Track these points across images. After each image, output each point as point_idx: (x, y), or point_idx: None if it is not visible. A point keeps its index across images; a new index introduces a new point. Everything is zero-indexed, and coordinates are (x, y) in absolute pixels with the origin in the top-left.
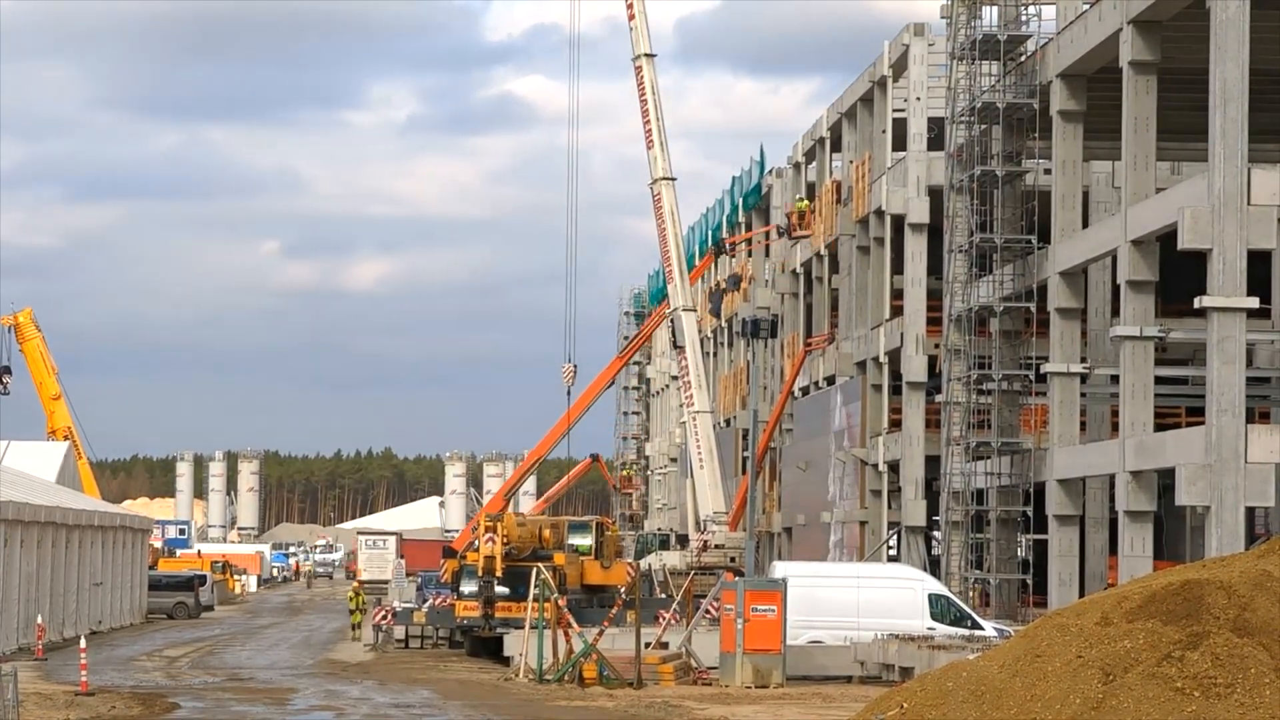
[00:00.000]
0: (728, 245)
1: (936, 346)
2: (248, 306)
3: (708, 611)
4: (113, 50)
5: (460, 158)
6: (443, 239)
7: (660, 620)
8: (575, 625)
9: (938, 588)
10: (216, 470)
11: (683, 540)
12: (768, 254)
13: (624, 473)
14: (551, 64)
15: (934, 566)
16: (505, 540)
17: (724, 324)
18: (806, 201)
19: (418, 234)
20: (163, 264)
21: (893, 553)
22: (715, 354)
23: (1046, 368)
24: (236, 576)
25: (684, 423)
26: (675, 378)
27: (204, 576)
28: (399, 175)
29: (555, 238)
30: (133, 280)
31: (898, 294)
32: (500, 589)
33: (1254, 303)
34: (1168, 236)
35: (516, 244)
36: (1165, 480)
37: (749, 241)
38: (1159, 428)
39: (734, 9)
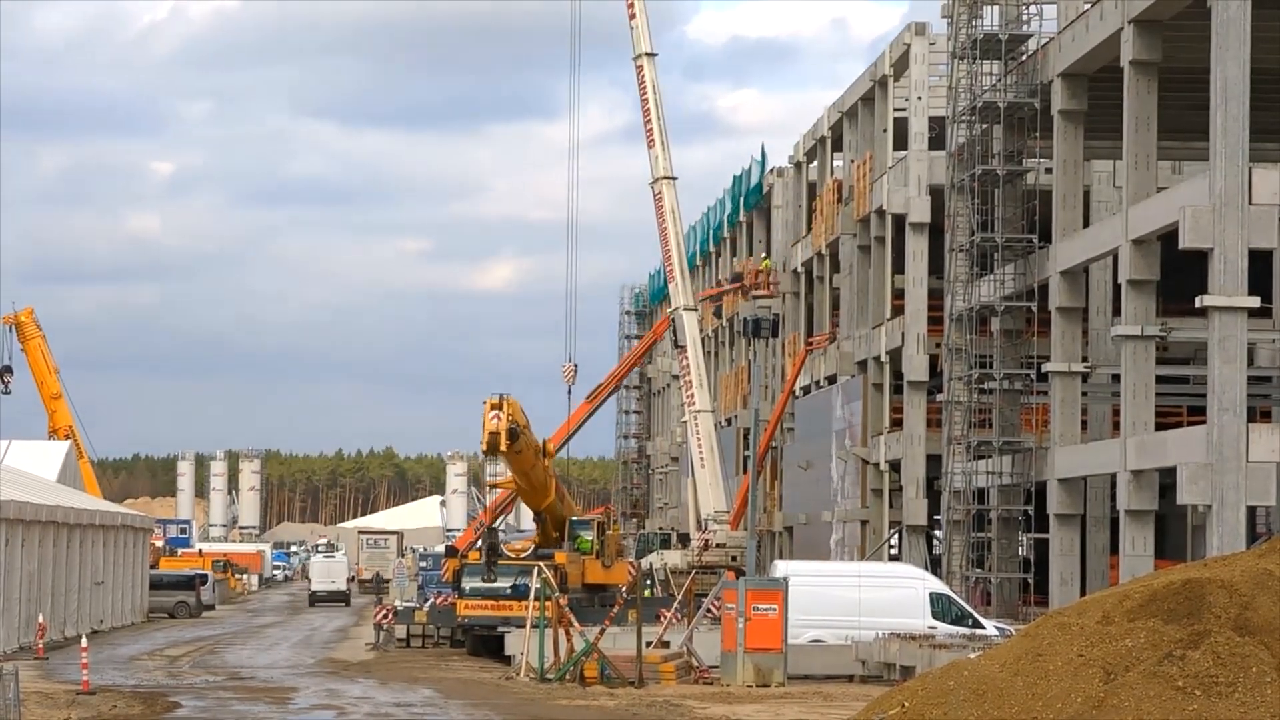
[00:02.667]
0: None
1: (938, 346)
2: (339, 307)
3: (709, 610)
4: (328, 58)
5: (636, 166)
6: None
7: (661, 619)
8: (576, 624)
9: (939, 587)
10: (218, 469)
11: (684, 539)
12: (719, 314)
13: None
14: (767, 78)
15: (935, 565)
16: (510, 420)
17: (725, 323)
18: (768, 260)
19: (557, 240)
20: (293, 269)
21: (894, 552)
22: (716, 353)
23: (1047, 367)
24: (238, 576)
25: (685, 422)
26: (676, 377)
27: (205, 576)
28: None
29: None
30: (254, 285)
31: (899, 293)
32: (502, 585)
33: (1255, 302)
34: (1169, 236)
35: (631, 252)
36: (1166, 479)
37: (718, 298)
38: (1160, 427)
39: None
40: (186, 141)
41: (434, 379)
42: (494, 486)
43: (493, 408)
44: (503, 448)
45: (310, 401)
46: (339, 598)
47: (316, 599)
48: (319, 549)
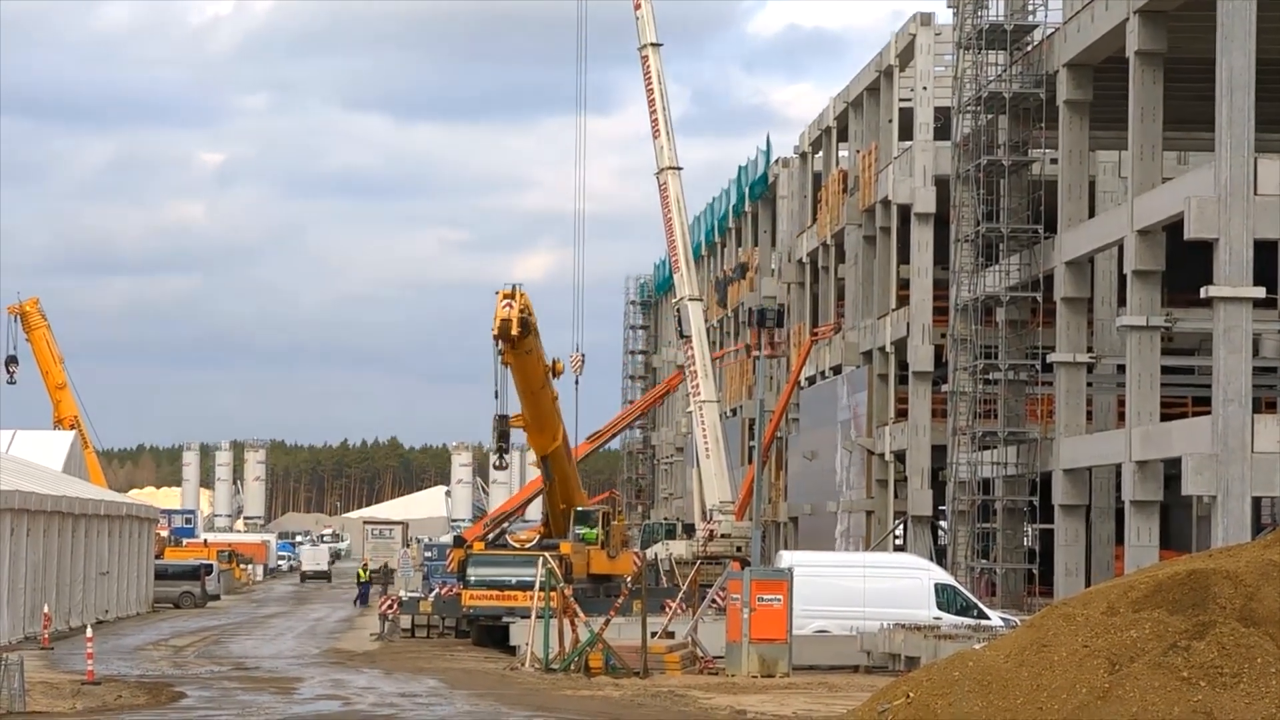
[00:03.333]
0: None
1: (943, 336)
2: (367, 299)
3: (714, 601)
4: (381, 51)
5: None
6: (607, 236)
7: (666, 610)
8: (581, 615)
9: (944, 577)
10: (223, 459)
11: (689, 530)
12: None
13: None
14: (822, 73)
15: (940, 556)
16: (522, 311)
17: (730, 313)
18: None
19: (596, 232)
20: (328, 260)
21: (899, 542)
22: (721, 344)
23: (1053, 357)
24: (243, 566)
25: (690, 412)
26: (681, 367)
27: (210, 566)
28: (612, 175)
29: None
30: (286, 277)
31: (904, 284)
32: (505, 574)
33: (1260, 292)
34: (1174, 226)
35: (647, 241)
36: (1171, 470)
37: (721, 359)
38: (1165, 417)
39: None
40: (238, 134)
41: (442, 370)
42: (503, 420)
43: (505, 297)
44: (514, 331)
45: (317, 392)
46: (323, 575)
47: (305, 577)
48: (324, 539)
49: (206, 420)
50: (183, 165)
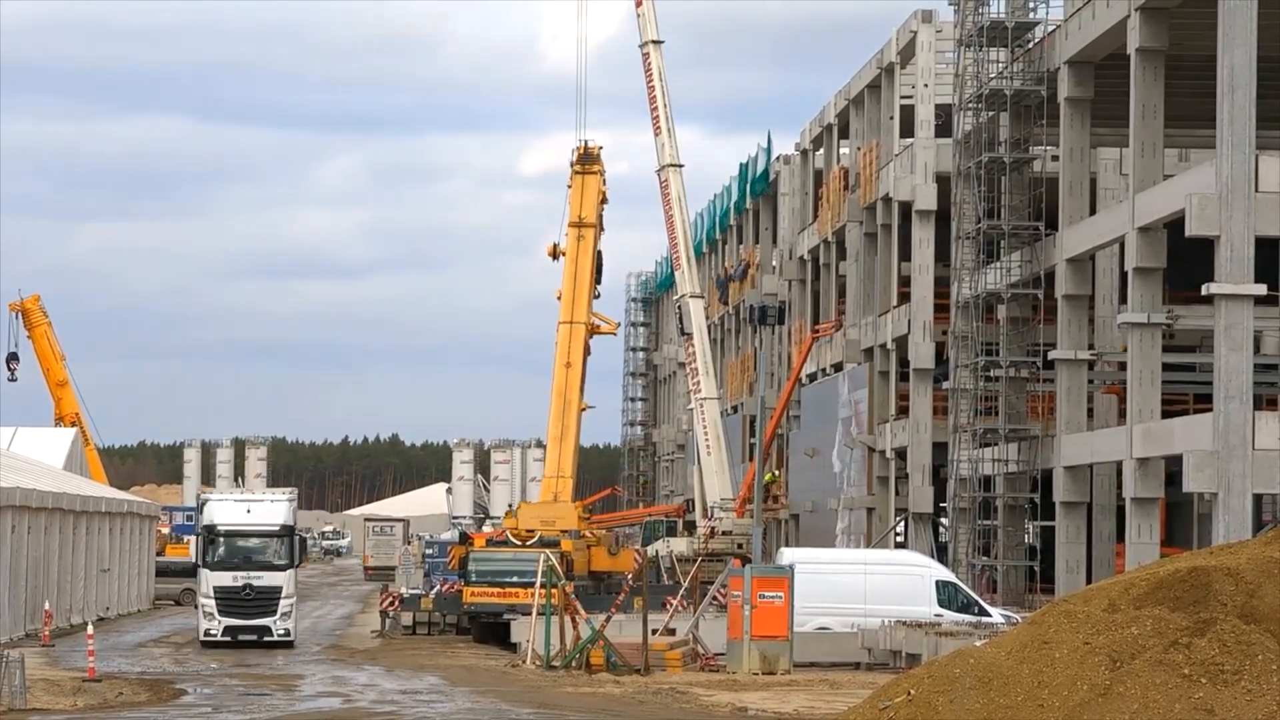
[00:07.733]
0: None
1: (944, 333)
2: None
3: (715, 598)
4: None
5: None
6: None
7: (667, 607)
8: (583, 612)
9: (945, 574)
10: (224, 457)
11: (690, 527)
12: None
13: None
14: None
15: (941, 553)
16: None
17: (731, 310)
18: (774, 475)
19: None
20: (486, 270)
21: (900, 539)
22: (722, 340)
23: (1054, 354)
24: None
25: (691, 409)
26: (682, 364)
27: None
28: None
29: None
30: (437, 285)
31: (905, 281)
32: (506, 571)
33: (1261, 289)
34: (1175, 223)
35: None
36: (1173, 467)
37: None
38: (1166, 414)
39: None
40: (538, 146)
41: (444, 367)
42: None
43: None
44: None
45: (320, 388)
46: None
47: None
48: (325, 536)
49: (208, 417)
50: (449, 174)
